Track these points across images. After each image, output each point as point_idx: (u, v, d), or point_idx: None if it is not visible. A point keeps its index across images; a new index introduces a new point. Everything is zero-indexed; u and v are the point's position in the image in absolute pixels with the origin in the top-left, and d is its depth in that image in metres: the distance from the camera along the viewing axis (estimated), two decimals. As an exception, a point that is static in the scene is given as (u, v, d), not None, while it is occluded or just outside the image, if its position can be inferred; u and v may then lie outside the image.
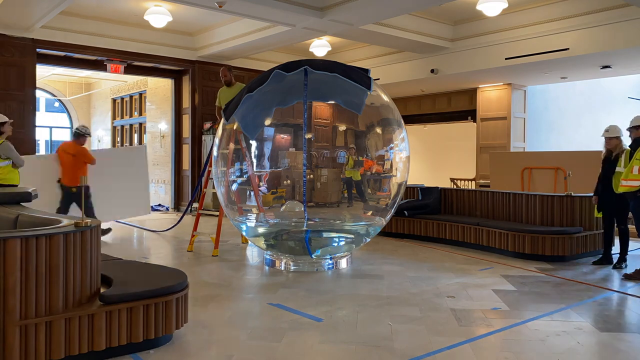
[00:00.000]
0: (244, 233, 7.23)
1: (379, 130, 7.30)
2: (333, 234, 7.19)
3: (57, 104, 20.27)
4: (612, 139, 6.70)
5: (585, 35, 9.65)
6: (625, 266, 6.69)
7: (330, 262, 6.48)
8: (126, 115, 17.59)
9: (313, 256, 6.34)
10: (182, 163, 13.69)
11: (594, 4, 9.37)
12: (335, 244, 6.91)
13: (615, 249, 7.02)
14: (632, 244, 8.00)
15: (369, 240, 6.93)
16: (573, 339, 4.03)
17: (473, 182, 14.62)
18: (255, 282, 5.98)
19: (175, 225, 9.53)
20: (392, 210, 6.84)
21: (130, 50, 11.88)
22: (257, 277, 6.18)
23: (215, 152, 6.89)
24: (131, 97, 17.12)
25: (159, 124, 14.84)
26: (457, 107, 14.81)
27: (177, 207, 13.59)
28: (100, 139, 19.32)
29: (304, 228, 6.72)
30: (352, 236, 6.99)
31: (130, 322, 3.53)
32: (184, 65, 12.90)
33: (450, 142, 17.03)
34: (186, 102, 13.41)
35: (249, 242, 7.70)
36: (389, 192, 7.15)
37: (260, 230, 7.24)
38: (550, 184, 10.30)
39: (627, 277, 6.11)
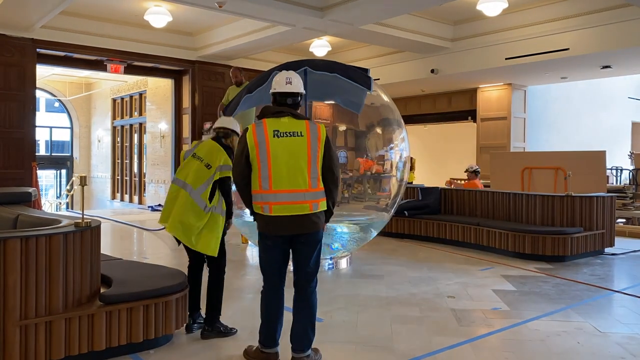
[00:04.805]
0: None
1: (379, 130, 7.30)
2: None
3: (57, 104, 20.29)
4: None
5: (585, 35, 9.65)
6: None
7: (330, 262, 6.48)
8: (126, 115, 17.60)
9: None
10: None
11: (594, 4, 9.36)
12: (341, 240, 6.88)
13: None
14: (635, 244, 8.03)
15: (374, 233, 6.87)
16: (573, 339, 4.03)
17: (473, 182, 14.60)
18: (255, 282, 5.97)
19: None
20: (392, 210, 6.82)
21: (130, 50, 11.88)
22: (257, 277, 6.17)
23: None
24: (131, 97, 17.13)
25: (159, 124, 14.85)
26: (457, 107, 14.82)
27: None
28: (100, 139, 19.32)
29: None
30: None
31: (130, 322, 3.53)
32: (184, 65, 12.90)
33: (451, 142, 17.03)
34: (186, 102, 13.41)
35: (249, 242, 7.69)
36: (389, 192, 7.15)
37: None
38: (550, 184, 10.28)
39: None
